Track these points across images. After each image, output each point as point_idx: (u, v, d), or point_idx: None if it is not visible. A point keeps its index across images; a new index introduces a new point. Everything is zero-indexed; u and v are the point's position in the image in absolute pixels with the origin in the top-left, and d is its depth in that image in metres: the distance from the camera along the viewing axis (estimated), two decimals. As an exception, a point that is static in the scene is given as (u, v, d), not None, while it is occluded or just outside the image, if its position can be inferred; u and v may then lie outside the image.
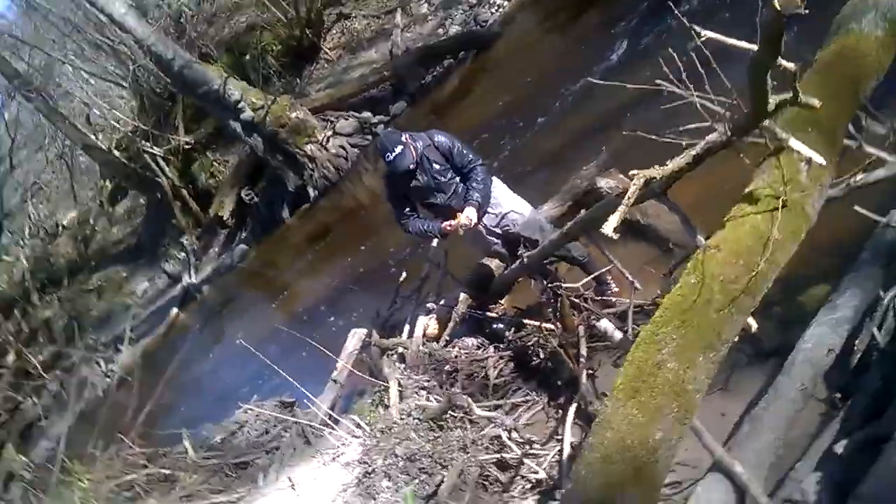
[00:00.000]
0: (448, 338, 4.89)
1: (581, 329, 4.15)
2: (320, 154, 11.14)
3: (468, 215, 4.33)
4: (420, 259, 5.96)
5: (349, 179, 11.16)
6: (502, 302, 5.11)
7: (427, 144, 4.44)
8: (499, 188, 4.64)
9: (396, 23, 11.77)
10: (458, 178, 4.51)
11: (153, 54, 11.05)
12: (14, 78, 14.47)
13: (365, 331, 5.48)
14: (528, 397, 4.29)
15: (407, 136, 4.43)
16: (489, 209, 4.56)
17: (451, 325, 4.87)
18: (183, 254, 13.80)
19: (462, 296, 5.00)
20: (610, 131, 6.23)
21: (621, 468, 2.44)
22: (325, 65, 12.91)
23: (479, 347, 4.80)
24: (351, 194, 10.98)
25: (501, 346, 4.73)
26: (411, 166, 4.34)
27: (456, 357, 4.72)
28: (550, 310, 4.35)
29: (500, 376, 4.52)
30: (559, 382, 4.21)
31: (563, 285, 4.33)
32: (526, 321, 4.65)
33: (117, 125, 15.60)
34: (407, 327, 5.17)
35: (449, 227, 4.39)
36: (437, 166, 4.44)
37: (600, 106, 6.99)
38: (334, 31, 13.11)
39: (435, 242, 5.38)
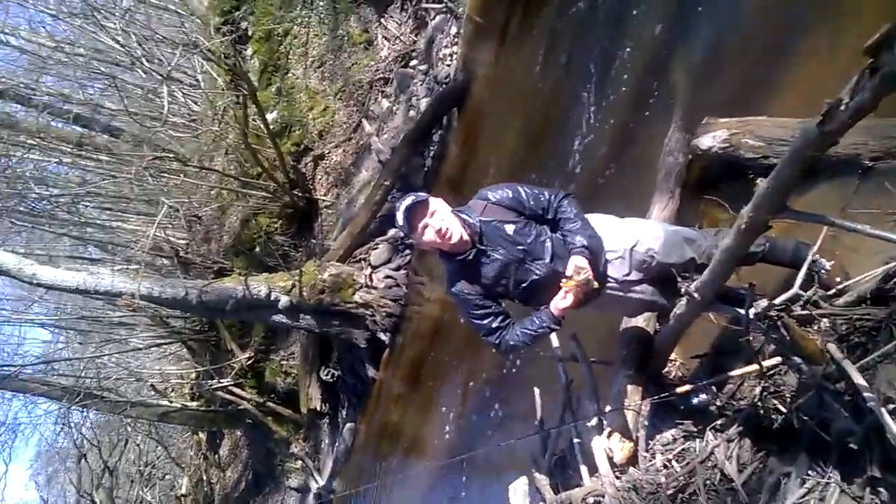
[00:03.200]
0: (646, 453, 3.64)
1: (833, 349, 2.86)
2: (371, 296, 10.19)
3: (577, 265, 3.14)
4: (544, 361, 4.77)
5: (412, 302, 10.15)
6: (673, 361, 3.92)
7: (483, 207, 3.31)
8: (601, 223, 3.46)
9: (368, 132, 11.03)
10: (547, 231, 3.36)
11: (165, 301, 10.40)
12: (62, 397, 14.10)
13: (525, 480, 4.23)
14: (809, 481, 2.99)
15: (455, 212, 3.31)
16: (608, 255, 3.39)
17: (639, 431, 3.64)
18: (299, 462, 12.94)
19: (628, 385, 3.77)
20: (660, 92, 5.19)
21: None
22: (329, 211, 12.18)
23: (687, 439, 3.53)
24: (424, 315, 9.95)
25: (718, 424, 3.47)
26: (464, 236, 3.20)
27: (668, 471, 3.46)
28: (768, 341, 3.13)
29: (743, 467, 3.24)
30: (845, 438, 2.87)
31: (772, 303, 3.05)
32: (731, 373, 3.43)
33: (181, 380, 15.36)
34: (580, 460, 3.91)
35: (563, 306, 3.21)
36: (510, 227, 3.27)
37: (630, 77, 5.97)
38: (319, 177, 12.43)
39: (555, 337, 4.24)
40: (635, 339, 3.89)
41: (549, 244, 3.30)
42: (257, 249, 12.70)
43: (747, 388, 3.40)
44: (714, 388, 3.51)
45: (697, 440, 3.49)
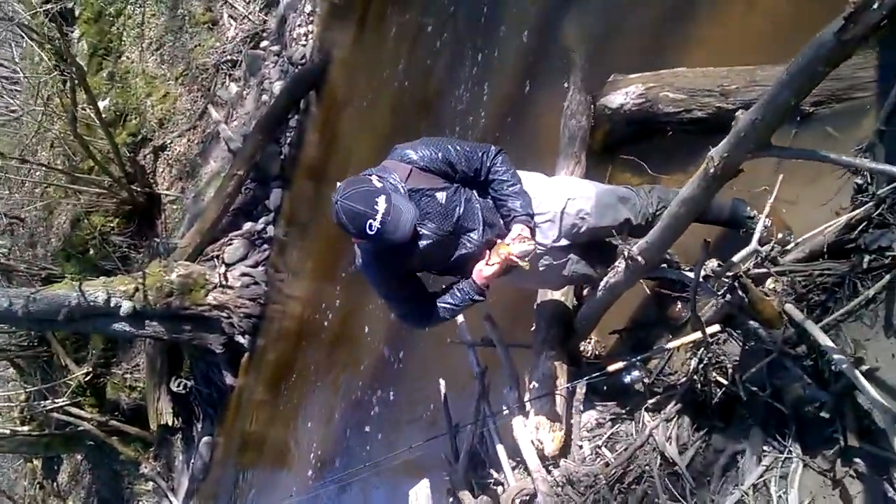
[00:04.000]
0: (580, 442, 3.23)
1: (792, 310, 2.56)
2: (227, 296, 9.35)
3: (521, 234, 2.73)
4: (431, 349, 4.29)
5: (273, 301, 9.42)
6: (593, 339, 3.55)
7: (407, 172, 2.73)
8: (528, 181, 2.98)
9: (215, 119, 10.15)
10: (476, 195, 2.87)
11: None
12: None
13: (427, 483, 3.71)
14: (766, 457, 2.69)
15: (375, 176, 2.70)
16: (536, 219, 2.93)
17: (569, 419, 3.21)
18: (150, 483, 11.86)
19: (552, 365, 3.34)
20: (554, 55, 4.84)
21: None
22: (174, 206, 11.15)
23: (615, 422, 3.18)
24: (287, 314, 9.24)
25: (651, 403, 3.14)
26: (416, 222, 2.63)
27: (604, 459, 3.09)
28: (721, 304, 2.78)
29: (684, 448, 2.93)
30: (806, 407, 2.61)
31: (730, 261, 2.72)
32: (665, 346, 3.09)
33: (8, 403, 13.83)
34: (504, 456, 3.43)
35: (488, 273, 2.77)
36: (441, 196, 2.75)
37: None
38: (161, 169, 11.35)
39: (461, 318, 3.79)
40: (556, 316, 3.49)
41: (479, 213, 2.84)
42: (91, 252, 11.48)
43: (679, 363, 3.11)
44: (642, 364, 3.18)
45: (626, 422, 3.16)
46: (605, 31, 4.80)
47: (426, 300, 2.96)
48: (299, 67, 9.16)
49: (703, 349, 2.85)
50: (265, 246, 9.50)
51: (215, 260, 9.61)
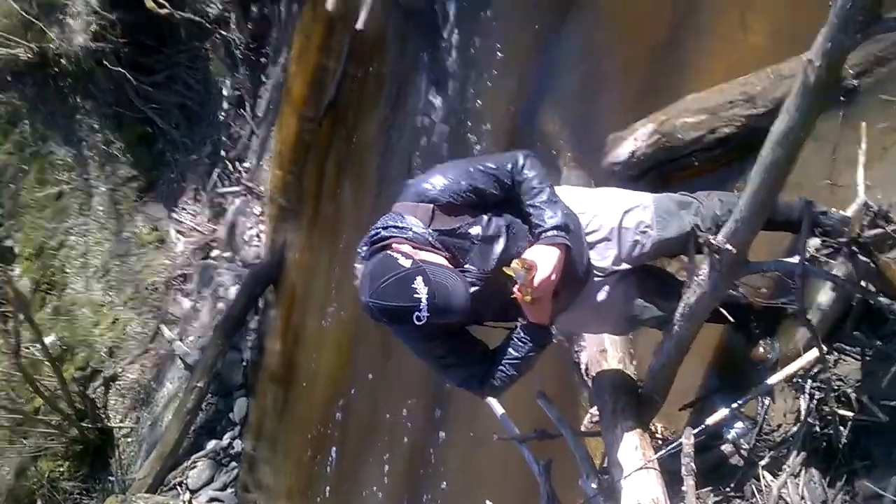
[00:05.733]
0: None
1: None
2: (194, 528, 8.43)
3: (526, 258, 2.18)
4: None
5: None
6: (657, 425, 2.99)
7: (430, 213, 2.21)
8: (571, 196, 2.50)
9: (169, 338, 9.70)
10: (517, 222, 2.34)
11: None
12: None
13: None
14: None
15: (396, 246, 2.15)
16: (589, 237, 2.45)
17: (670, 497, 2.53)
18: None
19: (635, 436, 2.62)
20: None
21: None
22: (129, 439, 10.33)
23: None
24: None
25: (763, 464, 2.60)
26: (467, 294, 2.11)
27: None
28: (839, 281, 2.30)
29: None
30: None
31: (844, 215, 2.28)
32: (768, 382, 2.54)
33: None
34: None
35: (534, 312, 2.25)
36: (475, 231, 2.25)
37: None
38: (113, 401, 10.64)
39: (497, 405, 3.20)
40: (621, 386, 2.86)
41: (524, 240, 2.32)
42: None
43: (780, 413, 2.58)
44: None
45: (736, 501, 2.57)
46: (586, 108, 4.67)
47: (488, 359, 2.39)
48: (253, 266, 8.92)
49: (809, 381, 2.34)
50: (233, 464, 8.73)
51: (178, 488, 8.77)
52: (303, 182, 8.49)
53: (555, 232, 2.22)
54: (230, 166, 9.48)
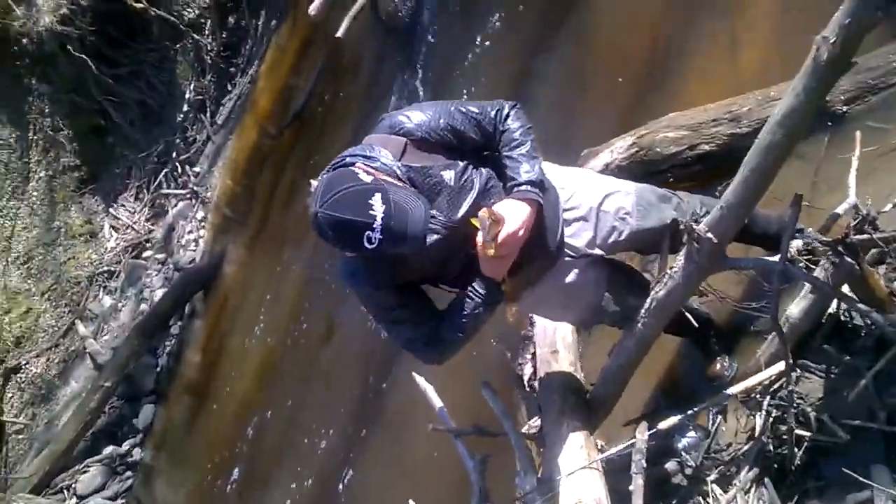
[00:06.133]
0: None
1: None
2: (74, 535, 7.89)
3: (491, 211, 2.01)
4: None
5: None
6: (600, 443, 2.86)
7: (402, 146, 2.08)
8: (554, 171, 2.39)
9: (82, 335, 9.26)
10: (494, 177, 2.20)
11: None
12: None
13: None
14: None
15: (361, 162, 2.02)
16: (566, 214, 2.33)
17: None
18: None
19: (581, 436, 2.51)
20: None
21: None
22: (20, 437, 9.71)
23: None
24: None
25: (713, 478, 2.54)
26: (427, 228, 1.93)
27: None
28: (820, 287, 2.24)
29: None
30: None
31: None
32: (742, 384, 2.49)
33: None
34: None
35: (488, 266, 2.09)
36: (448, 176, 2.10)
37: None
38: (10, 395, 10.01)
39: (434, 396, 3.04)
40: (569, 387, 2.75)
41: (497, 196, 2.18)
42: None
43: (731, 432, 2.55)
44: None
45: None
46: (568, 134, 4.59)
47: (437, 318, 2.24)
48: (186, 270, 8.64)
49: (768, 398, 2.30)
50: (129, 473, 8.23)
51: (65, 492, 8.24)
52: (254, 195, 8.35)
53: (528, 187, 2.12)
54: (179, 168, 9.27)
